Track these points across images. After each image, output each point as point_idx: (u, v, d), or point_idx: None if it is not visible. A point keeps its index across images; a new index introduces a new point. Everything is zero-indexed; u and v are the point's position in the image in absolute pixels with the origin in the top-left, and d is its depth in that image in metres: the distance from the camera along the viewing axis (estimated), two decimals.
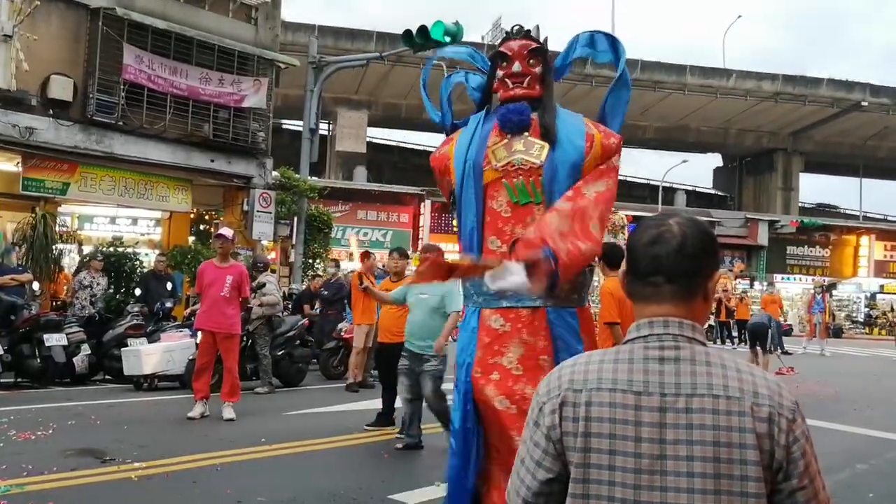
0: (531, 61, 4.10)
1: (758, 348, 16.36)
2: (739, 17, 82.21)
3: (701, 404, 1.59)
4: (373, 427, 8.77)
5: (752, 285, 36.43)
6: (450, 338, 7.56)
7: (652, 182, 50.19)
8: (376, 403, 9.35)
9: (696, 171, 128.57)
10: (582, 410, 1.66)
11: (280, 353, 12.16)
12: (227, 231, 9.79)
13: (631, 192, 51.06)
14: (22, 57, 14.10)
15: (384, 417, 8.89)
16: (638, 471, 1.60)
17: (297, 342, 12.63)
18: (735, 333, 26.82)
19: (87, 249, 16.89)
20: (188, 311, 12.77)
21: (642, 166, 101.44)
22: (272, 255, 19.74)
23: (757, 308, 17.68)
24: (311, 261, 20.12)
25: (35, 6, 14.23)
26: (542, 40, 4.23)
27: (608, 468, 1.62)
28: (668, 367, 1.63)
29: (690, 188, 52.70)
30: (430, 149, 47.50)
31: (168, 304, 13.60)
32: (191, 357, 10.95)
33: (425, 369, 7.68)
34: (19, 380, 11.51)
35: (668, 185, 45.88)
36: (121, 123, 16.16)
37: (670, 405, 1.60)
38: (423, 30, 15.63)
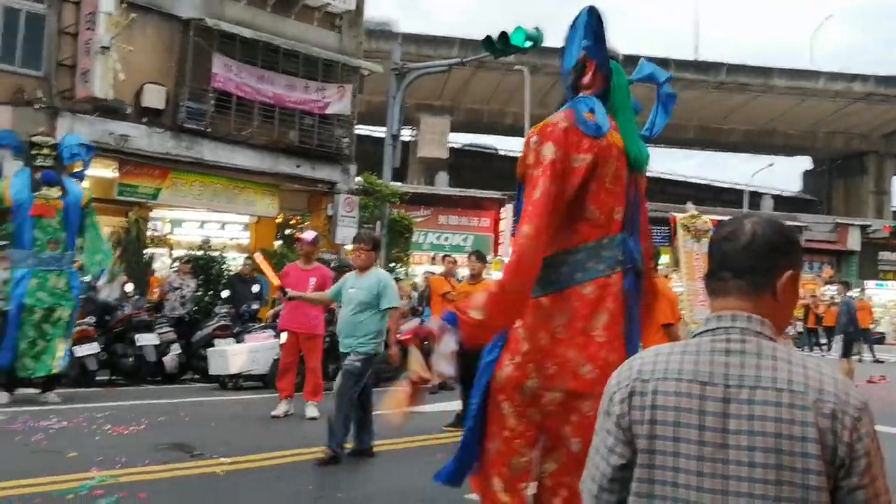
0: None
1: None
2: (830, 16, 79.48)
3: (764, 396, 1.62)
4: (451, 428, 8.83)
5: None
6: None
7: (738, 186, 49.14)
8: (455, 405, 9.44)
9: (785, 174, 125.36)
10: (649, 399, 1.71)
11: None
12: (307, 234, 10.03)
13: (717, 196, 50.11)
14: (119, 67, 14.68)
15: (463, 419, 8.93)
16: (701, 458, 1.64)
17: None
18: (824, 340, 26.04)
19: (177, 253, 17.43)
20: (272, 312, 13.07)
21: (728, 170, 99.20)
22: None
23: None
24: (393, 265, 20.35)
25: (131, 19, 14.81)
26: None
27: (672, 455, 1.67)
28: (734, 360, 1.67)
29: (778, 192, 51.43)
30: (512, 153, 46.72)
31: (254, 306, 13.94)
32: (275, 357, 11.21)
33: (343, 364, 7.31)
34: (114, 377, 11.99)
35: (754, 189, 44.88)
36: (210, 130, 16.66)
37: (734, 396, 1.64)
38: (503, 36, 15.69)
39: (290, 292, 8.36)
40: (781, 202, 49.40)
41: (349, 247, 19.45)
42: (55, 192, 9.80)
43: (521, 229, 3.49)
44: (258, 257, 9.21)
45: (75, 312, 10.17)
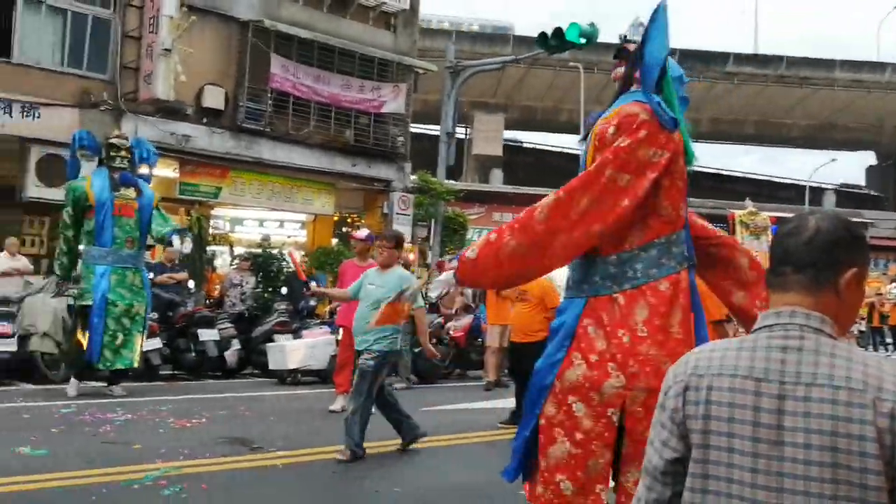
0: (618, 67, 4.08)
1: None
2: (895, 8, 77.27)
3: (820, 394, 1.59)
4: (506, 425, 8.86)
5: None
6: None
7: (798, 182, 48.19)
8: (510, 402, 9.47)
9: (847, 170, 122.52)
10: (703, 394, 1.70)
11: (418, 349, 12.40)
12: (360, 232, 10.18)
13: (775, 193, 49.22)
14: (180, 69, 15.00)
15: (518, 416, 8.95)
16: (755, 455, 1.62)
17: (435, 340, 12.84)
18: (889, 340, 25.45)
19: (237, 251, 17.71)
20: (329, 308, 13.22)
21: (787, 166, 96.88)
22: (411, 257, 20.18)
23: None
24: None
25: (192, 21, 15.12)
26: (630, 37, 4.14)
27: (727, 450, 1.66)
28: (791, 357, 1.64)
29: (840, 188, 50.30)
30: (567, 150, 46.17)
31: (312, 303, 14.11)
32: (332, 353, 11.36)
33: (359, 362, 7.17)
34: (176, 371, 12.26)
35: (815, 184, 43.97)
36: (268, 130, 16.94)
37: (789, 393, 1.61)
38: (558, 32, 15.64)
39: (314, 287, 8.52)
40: (845, 198, 48.32)
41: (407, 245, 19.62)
42: (132, 193, 10.17)
43: (545, 197, 3.60)
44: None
45: (149, 309, 10.50)
